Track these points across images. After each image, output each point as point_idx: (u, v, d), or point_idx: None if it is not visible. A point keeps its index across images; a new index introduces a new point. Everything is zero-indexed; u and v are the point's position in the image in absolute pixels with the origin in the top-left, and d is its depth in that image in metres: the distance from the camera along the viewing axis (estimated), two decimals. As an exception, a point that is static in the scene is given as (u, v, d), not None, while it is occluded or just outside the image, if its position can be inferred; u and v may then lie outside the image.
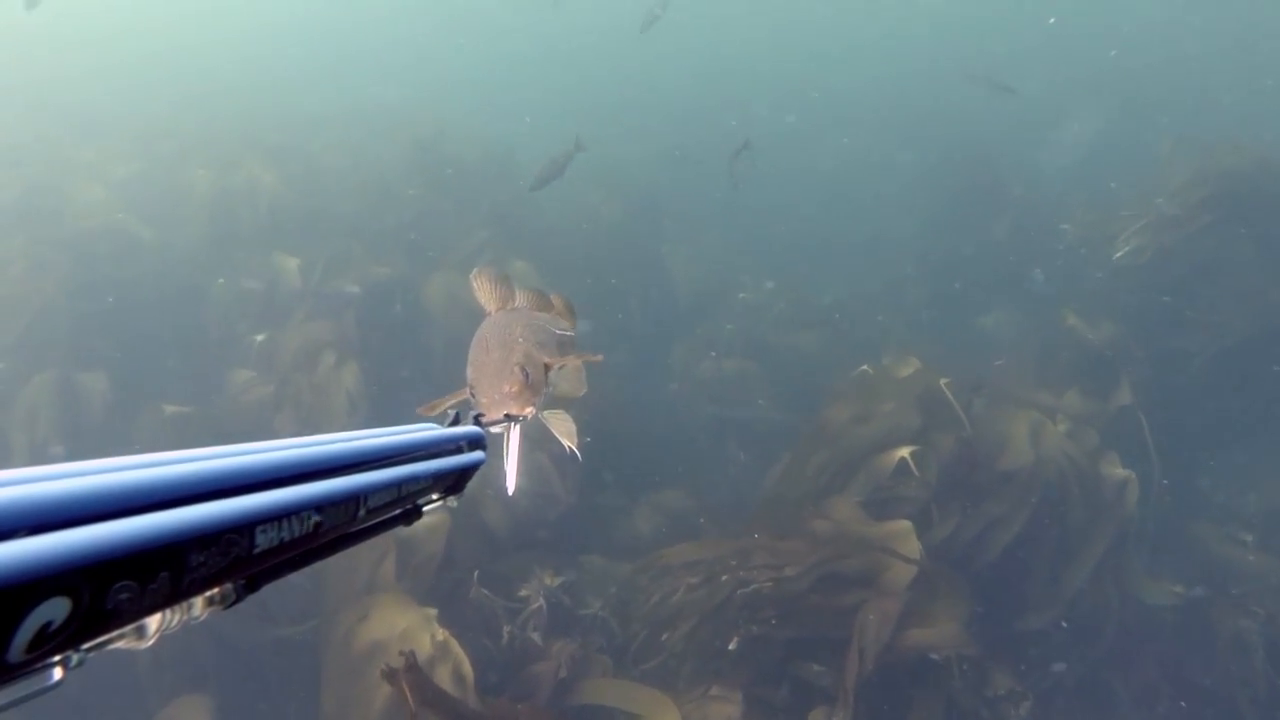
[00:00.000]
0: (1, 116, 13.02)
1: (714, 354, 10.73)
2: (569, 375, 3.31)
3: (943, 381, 7.63)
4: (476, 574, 6.95)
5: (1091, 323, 9.08)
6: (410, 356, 9.39)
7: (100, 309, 9.57)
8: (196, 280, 10.20)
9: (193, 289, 10.13)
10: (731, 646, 6.34)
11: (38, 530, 0.66)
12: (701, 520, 8.45)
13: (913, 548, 6.55)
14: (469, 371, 2.77)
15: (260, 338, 9.63)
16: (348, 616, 6.46)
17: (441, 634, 6.14)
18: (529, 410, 2.70)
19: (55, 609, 0.64)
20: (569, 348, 3.22)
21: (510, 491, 2.01)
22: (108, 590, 0.69)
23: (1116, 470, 7.54)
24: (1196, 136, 10.57)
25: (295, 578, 4.54)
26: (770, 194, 16.13)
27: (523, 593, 7.14)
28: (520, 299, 3.15)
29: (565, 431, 2.92)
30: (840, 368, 10.10)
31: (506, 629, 6.88)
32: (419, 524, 4.30)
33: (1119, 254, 9.75)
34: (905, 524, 6.72)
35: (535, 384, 2.65)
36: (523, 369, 2.64)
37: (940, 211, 13.69)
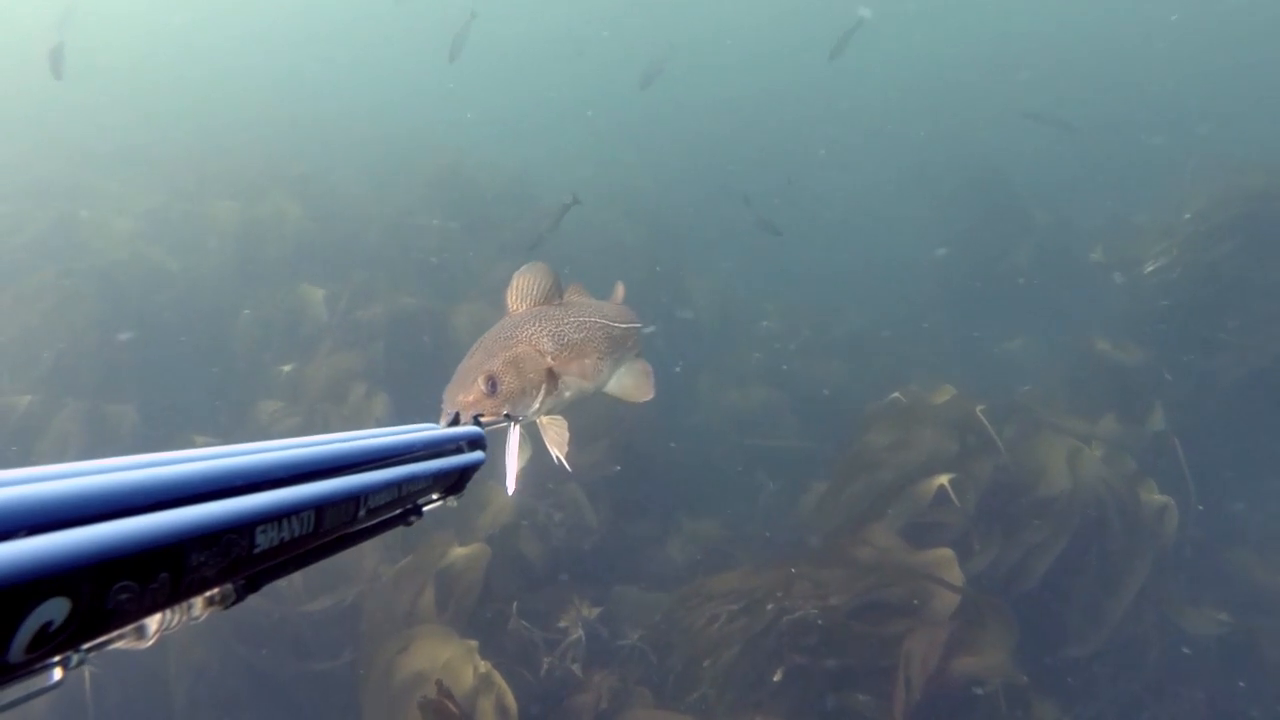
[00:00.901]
0: (25, 148, 13.10)
1: (740, 382, 10.72)
2: (631, 376, 3.26)
3: (978, 409, 7.61)
4: (515, 605, 6.91)
5: (1121, 347, 9.07)
6: (439, 387, 9.37)
7: (129, 340, 9.58)
8: (223, 311, 10.21)
9: (219, 320, 10.15)
10: (776, 678, 6.28)
11: (38, 530, 0.66)
12: (735, 549, 8.41)
13: (955, 576, 6.51)
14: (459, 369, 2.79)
15: (287, 368, 9.63)
16: (388, 648, 6.41)
17: (484, 666, 6.09)
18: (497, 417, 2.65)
19: (55, 609, 0.64)
20: (630, 344, 3.17)
21: (510, 491, 2.03)
22: (108, 590, 0.69)
23: (1154, 496, 7.50)
24: (1222, 156, 10.60)
25: (331, 611, 4.55)
26: (791, 221, 16.24)
27: (561, 624, 7.09)
28: (575, 295, 3.09)
29: (556, 440, 2.94)
30: (867, 395, 10.09)
31: (546, 660, 6.83)
32: (457, 555, 4.29)
33: (1149, 269, 9.75)
34: (946, 552, 6.67)
35: (508, 392, 2.65)
36: (490, 378, 2.65)
37: (962, 238, 13.72)
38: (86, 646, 0.73)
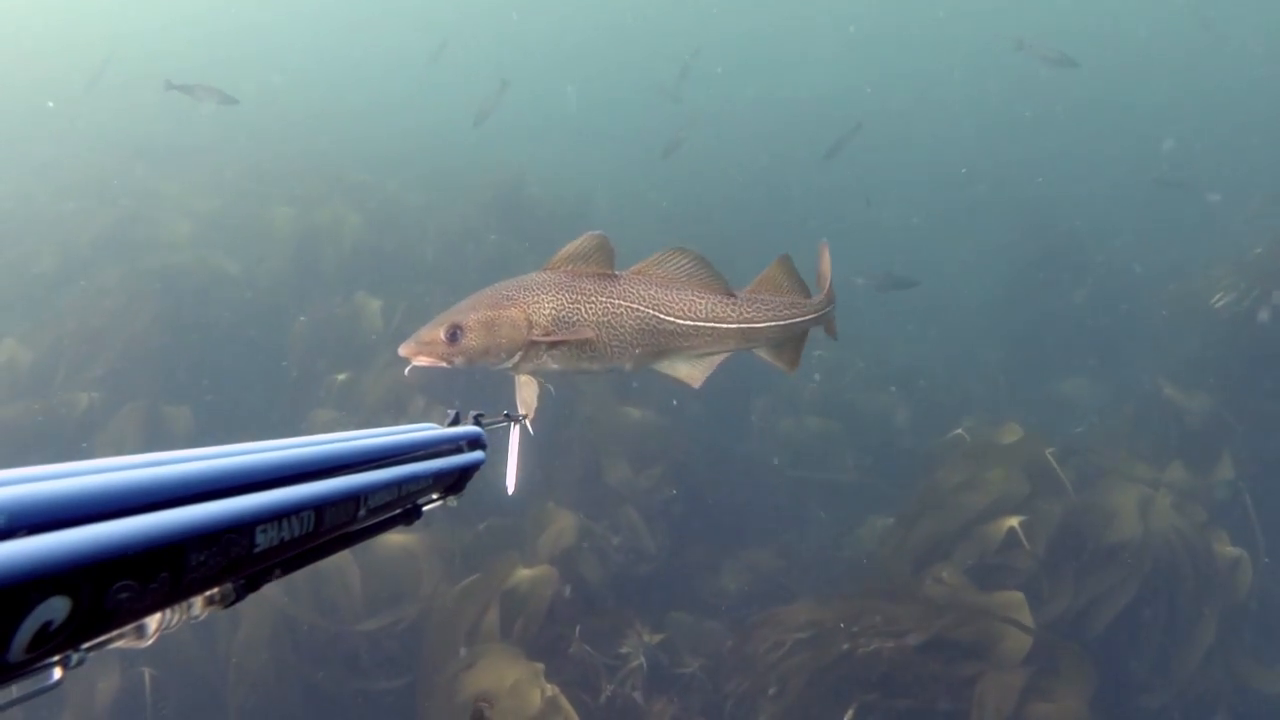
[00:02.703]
0: (87, 147, 13.20)
1: (794, 410, 10.67)
2: (687, 364, 3.07)
3: (1048, 451, 7.54)
4: (578, 629, 6.86)
5: (1188, 393, 8.98)
6: (500, 404, 9.36)
7: (187, 342, 9.61)
8: (280, 316, 10.23)
9: (276, 325, 10.17)
10: (848, 718, 6.20)
11: (38, 530, 0.66)
12: (791, 580, 8.35)
13: (1026, 619, 6.43)
14: None
15: (342, 377, 9.62)
16: (452, 665, 6.37)
17: (551, 689, 6.04)
18: (427, 361, 2.69)
19: (55, 609, 0.65)
20: (701, 340, 2.92)
21: (510, 492, 1.98)
22: (108, 590, 0.69)
23: (1227, 548, 7.40)
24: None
25: (390, 630, 4.49)
26: (844, 252, 16.17)
27: (623, 649, 7.03)
28: (652, 269, 2.90)
29: (524, 400, 2.85)
30: (922, 429, 10.04)
31: (608, 687, 6.78)
32: (523, 576, 4.24)
33: (1219, 302, 9.67)
34: (1017, 595, 6.61)
35: (469, 348, 2.65)
36: (454, 328, 2.66)
37: (1019, 277, 13.67)
38: (86, 646, 0.74)
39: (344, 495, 1.04)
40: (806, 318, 3.02)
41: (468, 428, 1.55)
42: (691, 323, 2.85)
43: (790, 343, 3.13)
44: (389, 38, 32.69)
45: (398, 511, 1.26)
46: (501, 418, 1.84)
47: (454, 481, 1.44)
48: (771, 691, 6.60)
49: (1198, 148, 20.40)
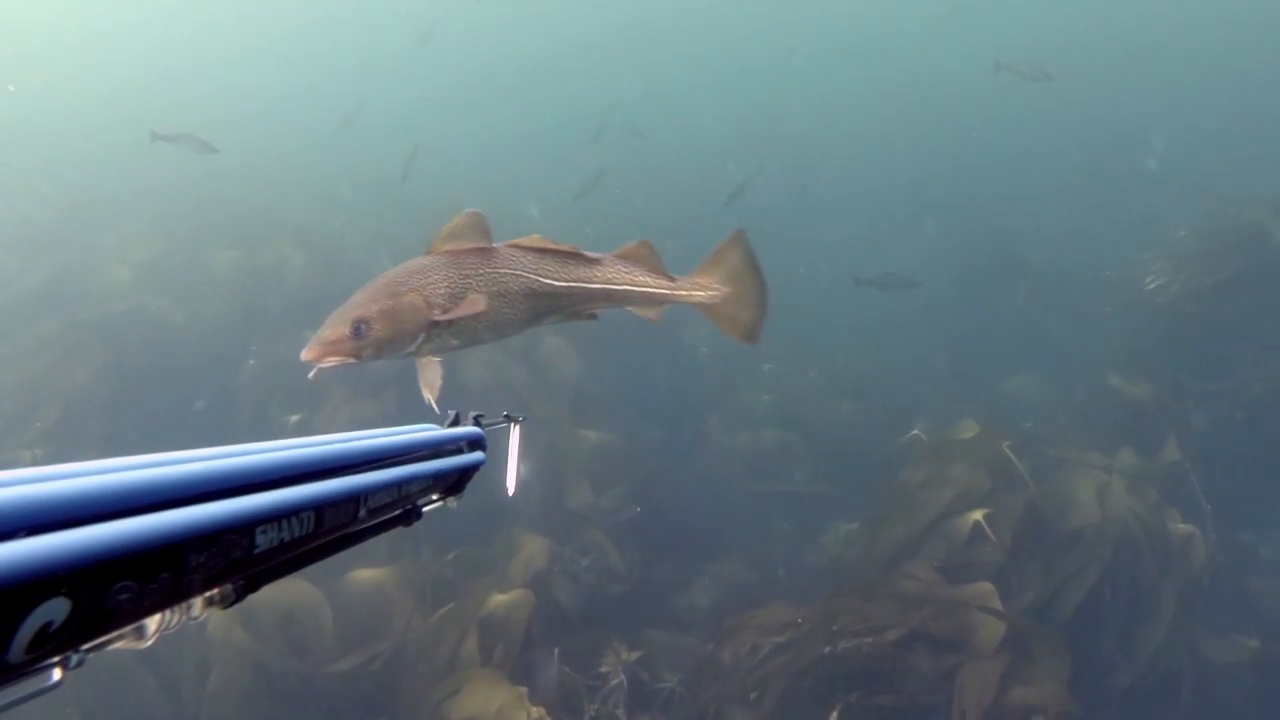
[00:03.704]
0: (17, 199, 12.89)
1: (750, 424, 10.78)
2: (567, 320, 3.22)
3: (1005, 444, 7.72)
4: (557, 651, 6.83)
5: (1131, 380, 9.28)
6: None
7: (132, 392, 9.40)
8: (227, 361, 10.07)
9: (223, 370, 10.00)
10: (834, 718, 6.25)
11: (38, 530, 0.66)
12: (761, 591, 8.39)
13: (997, 609, 6.56)
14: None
15: (295, 418, 9.48)
16: (435, 693, 6.29)
17: (537, 711, 6.00)
18: (335, 361, 2.73)
19: (55, 609, 0.64)
20: (577, 298, 3.08)
21: (510, 493, 1.95)
22: (108, 590, 0.69)
23: (1180, 525, 7.65)
24: (1216, 192, 10.99)
25: (363, 669, 4.44)
26: (785, 264, 16.39)
27: (602, 669, 7.02)
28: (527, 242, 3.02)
29: (427, 382, 2.93)
30: (877, 435, 10.20)
31: (590, 706, 6.75)
32: (498, 602, 4.29)
33: (1151, 284, 10.04)
34: (987, 586, 6.74)
35: (376, 339, 2.72)
36: (358, 322, 2.70)
37: (962, 280, 14.01)
38: (86, 646, 0.74)
39: (344, 496, 1.05)
40: (661, 291, 3.17)
41: (468, 428, 1.55)
42: (565, 284, 3.01)
43: (654, 308, 3.27)
44: (317, 80, 32.48)
45: (398, 512, 1.26)
46: (502, 419, 1.84)
47: (454, 482, 1.44)
48: (752, 696, 6.63)
49: (1136, 148, 21.17)
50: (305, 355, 2.72)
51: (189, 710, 6.74)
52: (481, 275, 2.88)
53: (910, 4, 33.36)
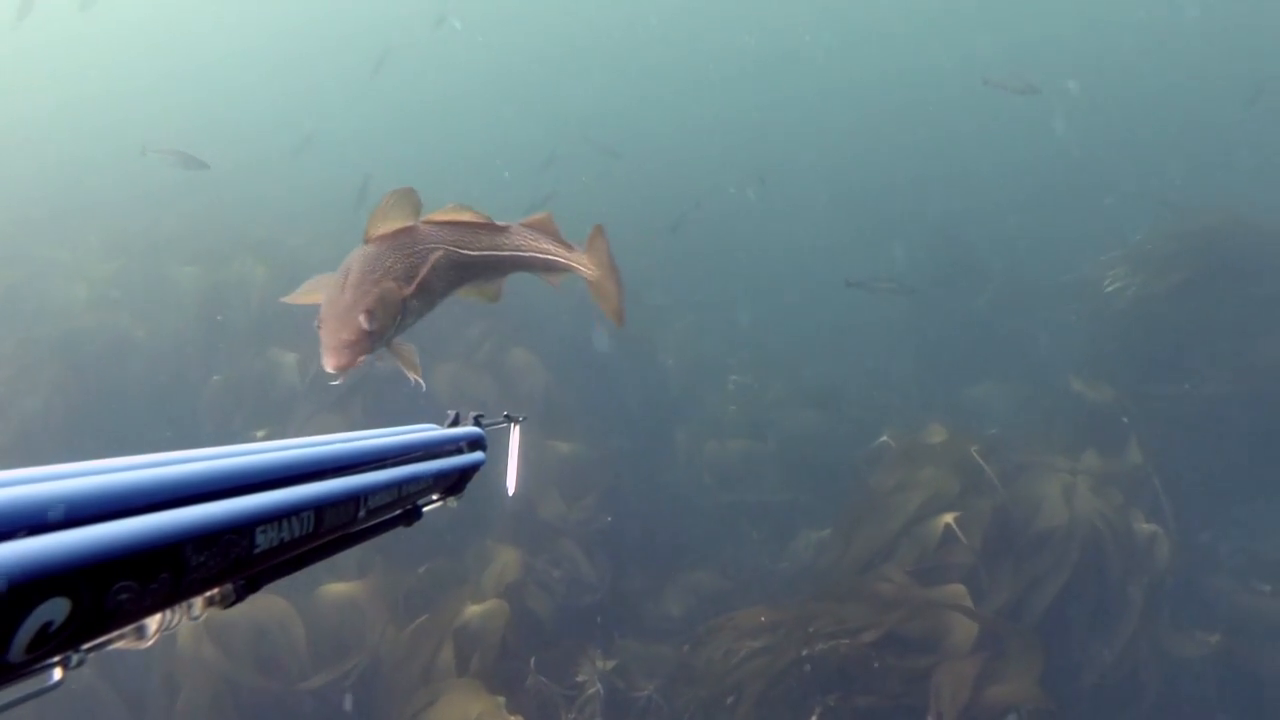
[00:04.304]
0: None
1: (717, 434, 10.83)
2: (483, 286, 3.32)
3: (973, 448, 7.83)
4: (533, 661, 6.80)
5: (1092, 385, 9.46)
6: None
7: (93, 409, 9.22)
8: (190, 377, 9.93)
9: (187, 386, 9.85)
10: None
11: (38, 530, 0.66)
12: (734, 598, 8.41)
13: (971, 609, 6.64)
14: (322, 306, 2.80)
15: (261, 433, 9.36)
16: (411, 704, 6.23)
17: (515, 720, 5.97)
18: (361, 359, 2.75)
19: (55, 609, 0.64)
20: (493, 264, 3.21)
21: (510, 493, 1.98)
22: (108, 590, 0.69)
23: (1144, 525, 7.79)
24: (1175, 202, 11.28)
25: (336, 684, 4.42)
26: (746, 277, 16.59)
27: (579, 678, 6.99)
28: (449, 216, 3.09)
29: (410, 363, 2.97)
30: (844, 444, 10.29)
31: (567, 716, 6.71)
32: (473, 613, 4.37)
33: (1109, 287, 10.28)
34: (959, 588, 6.83)
35: (380, 328, 2.74)
36: (370, 314, 2.71)
37: (923, 290, 14.20)
38: (86, 646, 0.73)
39: (344, 496, 1.05)
40: (560, 259, 3.34)
41: (468, 429, 1.56)
42: (480, 253, 3.13)
43: (555, 274, 3.44)
44: (273, 100, 32.22)
45: (398, 512, 1.26)
46: (502, 419, 1.84)
47: (454, 482, 1.44)
48: (729, 700, 6.64)
49: (1093, 151, 21.59)
50: (333, 364, 2.69)
51: (155, 728, 6.62)
52: (417, 251, 2.95)
53: (875, 18, 33.95)
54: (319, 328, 2.80)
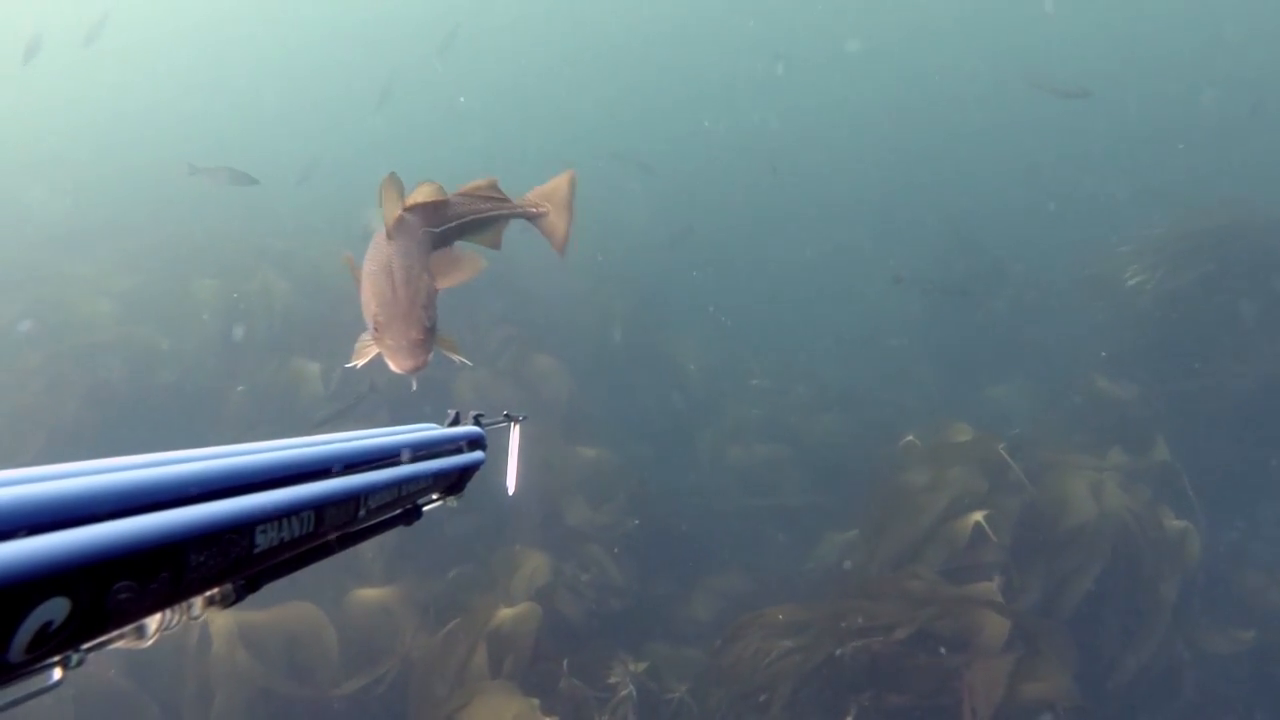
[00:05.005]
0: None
1: (740, 438, 10.83)
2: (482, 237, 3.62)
3: (1000, 446, 7.81)
4: (566, 663, 6.80)
5: (1116, 382, 9.43)
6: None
7: (119, 420, 9.28)
8: (214, 387, 9.99)
9: (211, 397, 9.91)
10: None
11: (38, 530, 0.66)
12: (761, 601, 8.39)
13: (1004, 605, 6.62)
14: (373, 305, 2.86)
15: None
16: (445, 705, 6.24)
17: (550, 723, 5.98)
18: (430, 356, 2.88)
19: (55, 609, 0.64)
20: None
21: (510, 492, 1.98)
22: (108, 590, 0.69)
23: (1174, 522, 7.75)
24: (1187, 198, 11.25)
25: (370, 689, 4.43)
26: (765, 282, 16.58)
27: (611, 680, 6.98)
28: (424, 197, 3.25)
29: (453, 348, 3.08)
30: (867, 446, 10.27)
31: (600, 718, 6.71)
32: (506, 616, 4.43)
33: (1130, 281, 10.24)
34: (990, 585, 6.81)
35: (433, 320, 2.86)
36: (427, 309, 2.81)
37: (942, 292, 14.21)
38: (86, 646, 0.73)
39: (344, 495, 1.04)
40: (506, 210, 3.63)
41: (468, 428, 1.56)
42: (454, 224, 3.37)
43: (497, 232, 3.72)
44: (281, 119, 32.44)
45: (398, 512, 1.26)
46: (502, 418, 1.84)
47: (454, 482, 1.44)
48: (761, 698, 6.62)
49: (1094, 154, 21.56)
50: (410, 365, 2.75)
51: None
52: (420, 240, 3.08)
53: (892, 22, 33.98)
54: (379, 333, 2.81)
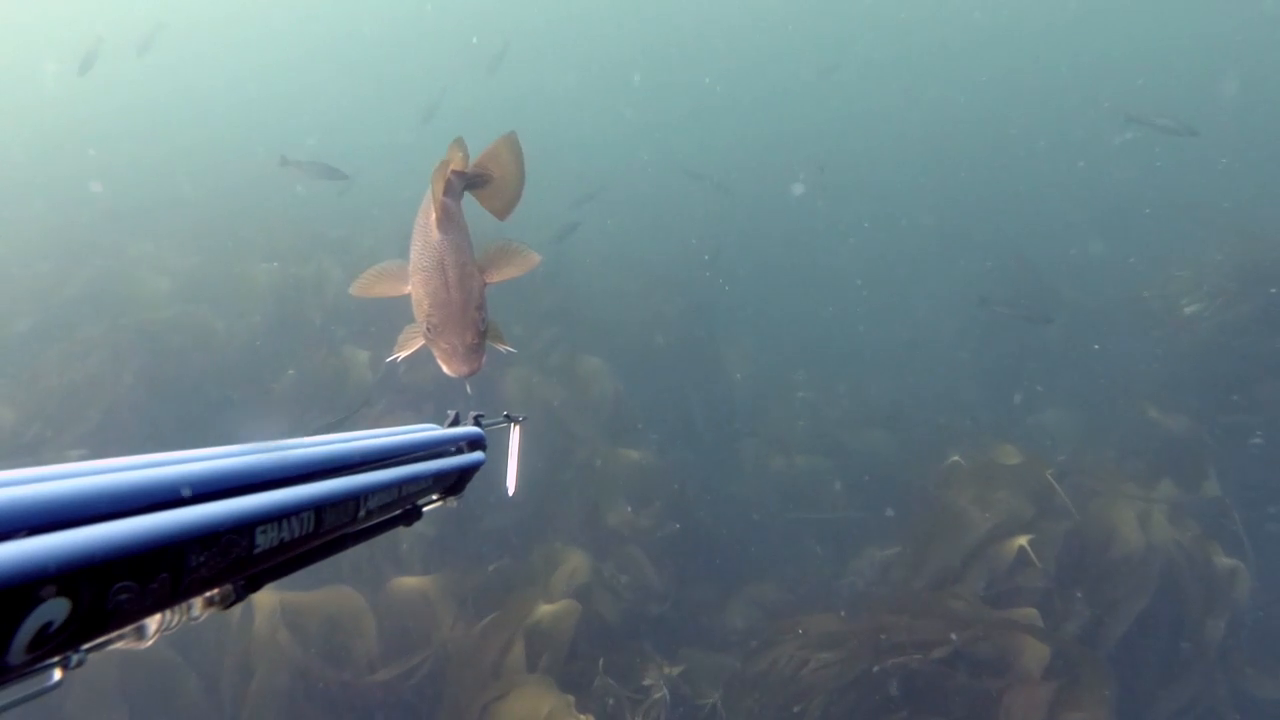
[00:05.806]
0: (56, 207, 13.03)
1: (784, 450, 10.81)
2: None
3: (1048, 471, 7.73)
4: (601, 663, 6.83)
5: (1167, 413, 9.28)
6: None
7: (172, 398, 9.45)
8: (266, 370, 10.13)
9: (262, 379, 10.05)
10: (886, 736, 6.21)
11: (38, 530, 0.66)
12: (798, 613, 8.37)
13: (1046, 632, 6.55)
14: (425, 304, 2.76)
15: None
16: (481, 696, 6.28)
17: (585, 719, 6.00)
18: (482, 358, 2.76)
19: (55, 609, 0.64)
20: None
21: (510, 493, 1.96)
22: (108, 591, 0.69)
23: (1224, 559, 7.61)
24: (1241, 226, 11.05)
25: (405, 678, 4.45)
26: (816, 293, 16.53)
27: (646, 682, 7.00)
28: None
29: (500, 338, 2.96)
30: (912, 464, 10.20)
31: (633, 719, 6.73)
32: (545, 612, 4.41)
33: (1188, 309, 10.08)
34: (1031, 611, 6.74)
35: (487, 325, 2.76)
36: (481, 311, 2.72)
37: (991, 312, 14.07)
38: (86, 647, 0.73)
39: (344, 496, 1.05)
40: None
41: (468, 429, 1.56)
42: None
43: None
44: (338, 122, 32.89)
45: (398, 512, 1.27)
46: (502, 419, 1.85)
47: (454, 482, 1.44)
48: (795, 709, 6.61)
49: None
50: (466, 370, 2.70)
51: (228, 711, 6.74)
52: (462, 228, 2.99)
53: (945, 36, 33.77)
54: (431, 334, 2.75)
